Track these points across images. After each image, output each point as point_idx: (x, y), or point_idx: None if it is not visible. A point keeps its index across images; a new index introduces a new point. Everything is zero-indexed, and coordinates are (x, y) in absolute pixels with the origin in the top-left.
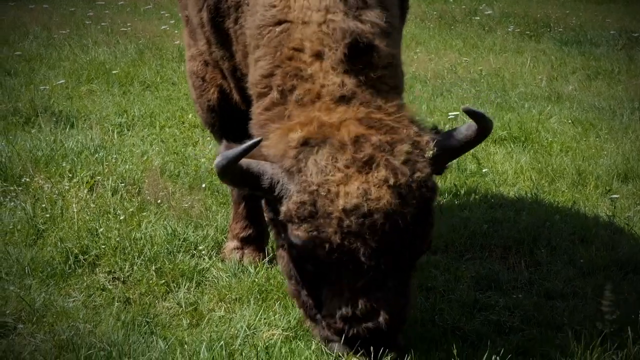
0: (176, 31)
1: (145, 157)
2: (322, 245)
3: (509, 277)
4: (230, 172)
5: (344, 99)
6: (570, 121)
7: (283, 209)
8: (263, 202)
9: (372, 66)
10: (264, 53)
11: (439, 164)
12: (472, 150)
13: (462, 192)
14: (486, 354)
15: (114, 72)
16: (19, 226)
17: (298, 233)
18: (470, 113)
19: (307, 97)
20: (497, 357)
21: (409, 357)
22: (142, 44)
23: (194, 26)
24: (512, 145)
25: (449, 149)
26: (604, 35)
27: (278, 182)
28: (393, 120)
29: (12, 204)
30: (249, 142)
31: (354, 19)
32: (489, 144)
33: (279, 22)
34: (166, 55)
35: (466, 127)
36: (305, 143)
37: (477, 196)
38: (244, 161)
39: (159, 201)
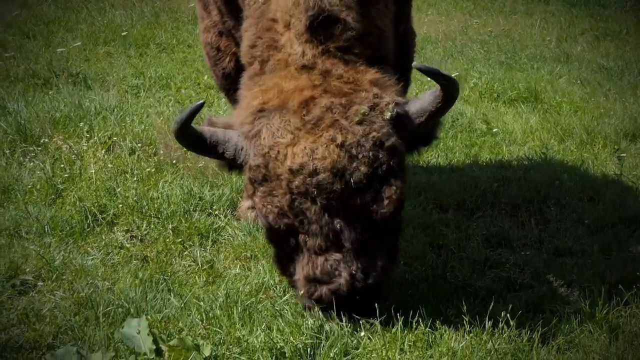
0: None
1: (161, 118)
2: (276, 208)
3: (518, 235)
4: (184, 135)
5: (305, 68)
6: (579, 81)
7: (246, 175)
8: None
9: (335, 37)
10: (249, 24)
11: (403, 130)
12: (481, 111)
13: (473, 151)
14: (496, 310)
15: (129, 34)
16: (38, 186)
17: (256, 199)
18: (426, 72)
19: (278, 67)
20: (507, 313)
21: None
22: (158, 7)
23: None
24: (521, 106)
25: (413, 116)
26: None
27: (242, 149)
28: (352, 86)
29: (32, 164)
30: (194, 105)
31: None
32: (499, 104)
33: None
34: (182, 18)
35: (432, 92)
36: (262, 109)
37: (487, 156)
38: (207, 130)
39: (174, 161)
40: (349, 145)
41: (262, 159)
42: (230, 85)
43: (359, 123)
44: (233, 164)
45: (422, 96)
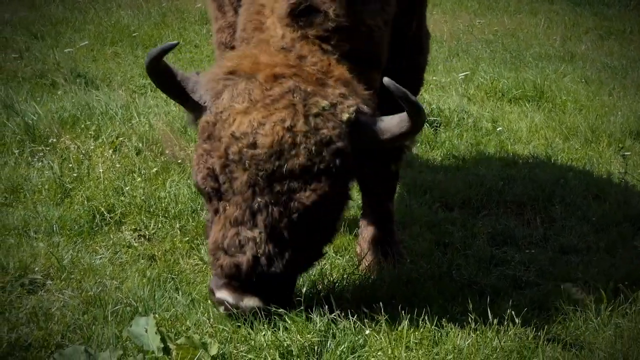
0: None
1: (168, 118)
2: (207, 169)
3: (524, 233)
4: (155, 70)
5: (283, 50)
6: (583, 80)
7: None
8: None
9: (314, 26)
10: (243, 10)
11: (359, 140)
12: (486, 110)
13: (478, 150)
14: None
15: (137, 34)
16: (46, 185)
17: (195, 155)
18: (395, 93)
19: (259, 45)
20: (513, 311)
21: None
22: (165, 7)
23: None
24: (526, 104)
25: (375, 130)
26: None
27: (203, 103)
28: (322, 77)
29: (40, 164)
30: (169, 43)
31: None
32: (504, 103)
33: None
34: (188, 18)
35: (399, 115)
36: (233, 72)
37: (492, 154)
38: (183, 74)
39: (179, 160)
40: (296, 131)
41: (213, 118)
42: None
43: (315, 115)
44: (193, 117)
45: (392, 116)
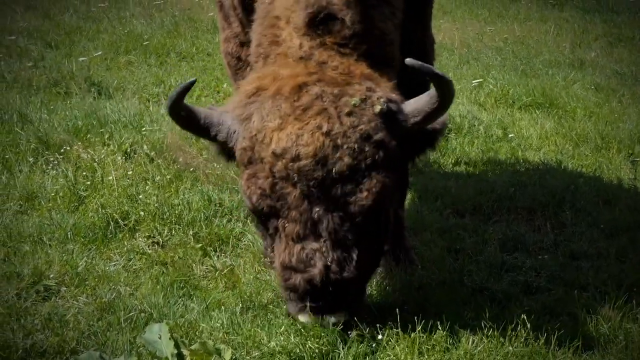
0: (209, 2)
1: None
2: (257, 192)
3: (535, 239)
4: (176, 112)
5: (302, 59)
6: (593, 87)
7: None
8: None
9: (333, 33)
10: (257, 24)
11: (394, 127)
12: (497, 117)
13: (489, 156)
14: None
15: (149, 43)
16: (61, 193)
17: (242, 181)
18: (419, 70)
19: (277, 59)
20: (524, 316)
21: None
22: (178, 17)
23: (227, 10)
24: (536, 111)
25: (406, 114)
26: (624, 3)
27: (234, 132)
28: (346, 77)
29: (55, 171)
30: (187, 82)
31: None
32: (514, 110)
33: None
34: (201, 27)
35: (427, 93)
36: (256, 93)
37: (503, 161)
38: (204, 110)
39: (192, 168)
40: (334, 134)
41: (249, 142)
42: None
43: (348, 114)
44: (225, 148)
45: (419, 97)
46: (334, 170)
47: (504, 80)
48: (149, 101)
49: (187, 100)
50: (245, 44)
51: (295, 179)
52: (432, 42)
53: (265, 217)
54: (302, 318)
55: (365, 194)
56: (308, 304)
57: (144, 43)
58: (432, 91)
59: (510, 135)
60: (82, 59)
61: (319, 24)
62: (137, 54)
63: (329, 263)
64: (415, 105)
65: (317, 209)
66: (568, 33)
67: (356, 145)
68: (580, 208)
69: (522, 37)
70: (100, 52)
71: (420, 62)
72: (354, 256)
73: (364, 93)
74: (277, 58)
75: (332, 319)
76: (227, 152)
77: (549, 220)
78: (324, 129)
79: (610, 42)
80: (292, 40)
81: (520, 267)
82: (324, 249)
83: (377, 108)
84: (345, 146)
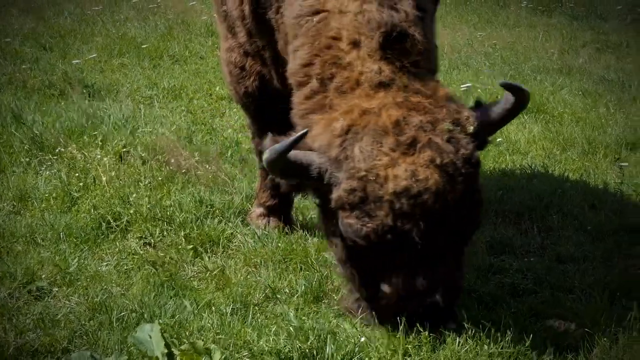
0: (203, 6)
1: (173, 128)
2: (375, 230)
3: (522, 242)
4: (280, 165)
5: (382, 85)
6: (580, 92)
7: (334, 197)
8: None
9: (407, 52)
10: (302, 43)
11: (480, 138)
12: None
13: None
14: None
15: (144, 46)
16: (54, 194)
17: (350, 221)
18: (507, 86)
19: (347, 85)
20: (510, 318)
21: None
22: (171, 20)
23: (233, 19)
24: (524, 116)
25: (488, 123)
26: (612, 11)
27: (326, 171)
28: (431, 101)
29: (48, 172)
30: (296, 135)
31: (388, 9)
32: None
33: (317, 12)
34: (194, 30)
35: (504, 100)
36: (349, 131)
37: (491, 165)
38: (291, 153)
39: (184, 170)
40: (444, 164)
41: (357, 182)
42: (251, 101)
43: (447, 140)
44: (316, 185)
45: (495, 106)
46: (450, 199)
47: (493, 85)
48: (141, 103)
49: (182, 103)
50: (249, 54)
51: (418, 214)
52: (436, 47)
53: (379, 251)
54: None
55: (476, 214)
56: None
57: (138, 46)
58: (505, 104)
59: (498, 140)
60: (76, 61)
61: (392, 43)
62: (130, 57)
63: (450, 285)
64: (491, 120)
65: (439, 237)
66: (556, 39)
67: (464, 171)
68: (567, 212)
69: (511, 43)
70: (94, 55)
71: (511, 82)
72: (463, 272)
73: (452, 116)
74: (346, 82)
75: (452, 325)
76: (303, 189)
77: (536, 224)
78: (437, 161)
79: (598, 48)
80: (365, 64)
81: (507, 270)
82: (445, 273)
83: (470, 129)
84: (456, 174)
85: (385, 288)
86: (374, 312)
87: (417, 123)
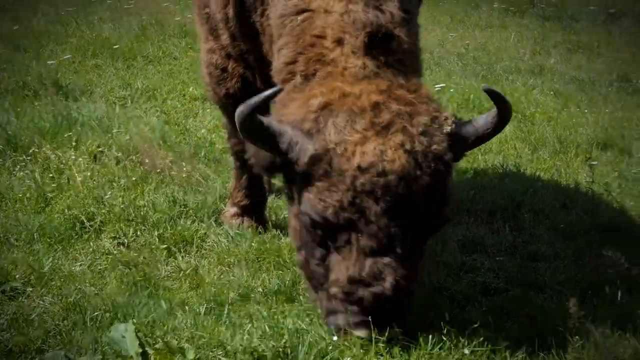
0: (177, 7)
1: (147, 128)
2: (334, 204)
3: (493, 241)
4: (250, 121)
5: (367, 78)
6: (552, 93)
7: (299, 165)
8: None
9: (392, 51)
10: (286, 41)
11: (457, 148)
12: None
13: None
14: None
15: (117, 47)
16: (28, 194)
17: (310, 195)
18: (490, 93)
19: (330, 77)
20: (483, 317)
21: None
22: (145, 20)
23: (216, 22)
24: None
25: (466, 136)
26: (584, 11)
27: (297, 144)
28: (414, 96)
29: (22, 173)
30: (271, 90)
31: (374, 9)
32: (475, 115)
33: (302, 11)
34: (168, 31)
35: (486, 115)
36: (325, 107)
37: (463, 164)
38: (266, 119)
39: (158, 170)
40: (415, 152)
41: (324, 153)
42: (231, 102)
43: (423, 134)
44: (281, 159)
45: (477, 118)
46: (414, 188)
47: (465, 85)
48: (115, 104)
49: (156, 104)
50: (231, 56)
51: (379, 194)
52: (420, 56)
53: (334, 231)
54: (361, 332)
55: (442, 212)
56: (369, 318)
57: (112, 47)
58: (491, 114)
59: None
60: (51, 62)
61: (378, 43)
62: (104, 58)
63: (398, 277)
64: (476, 126)
65: (396, 224)
66: (528, 40)
67: (432, 164)
68: (538, 211)
69: (484, 43)
70: (68, 56)
71: (495, 90)
72: (416, 272)
73: (432, 113)
74: (329, 76)
75: (391, 333)
76: (275, 167)
77: (507, 223)
78: (407, 146)
79: (569, 49)
80: (349, 60)
81: (479, 268)
82: (393, 264)
83: (447, 129)
84: (424, 165)
85: (332, 275)
86: (323, 303)
87: (395, 110)
